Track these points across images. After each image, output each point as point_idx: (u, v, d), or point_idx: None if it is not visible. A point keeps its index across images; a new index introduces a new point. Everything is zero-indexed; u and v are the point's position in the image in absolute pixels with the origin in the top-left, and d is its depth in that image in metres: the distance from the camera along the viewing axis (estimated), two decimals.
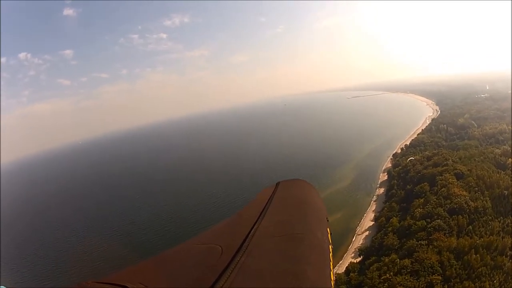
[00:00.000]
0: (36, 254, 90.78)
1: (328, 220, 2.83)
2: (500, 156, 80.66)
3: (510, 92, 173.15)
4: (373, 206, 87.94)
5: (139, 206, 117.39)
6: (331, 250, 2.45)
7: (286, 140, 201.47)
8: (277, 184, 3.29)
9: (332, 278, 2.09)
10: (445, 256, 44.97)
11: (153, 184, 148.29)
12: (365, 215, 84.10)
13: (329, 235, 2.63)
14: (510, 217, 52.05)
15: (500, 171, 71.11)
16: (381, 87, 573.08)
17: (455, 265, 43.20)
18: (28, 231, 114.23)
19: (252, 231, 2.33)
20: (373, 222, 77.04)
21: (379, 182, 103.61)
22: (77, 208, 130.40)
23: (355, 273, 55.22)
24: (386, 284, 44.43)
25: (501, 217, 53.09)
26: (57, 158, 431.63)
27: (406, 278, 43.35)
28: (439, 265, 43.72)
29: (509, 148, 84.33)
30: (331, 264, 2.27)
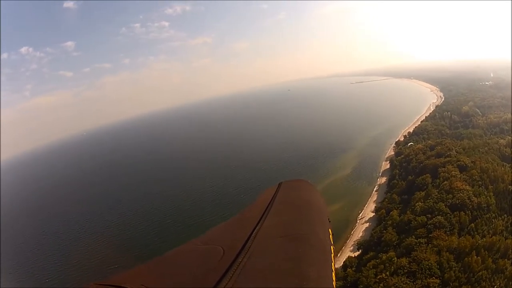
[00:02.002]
0: (35, 252, 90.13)
1: (329, 221, 2.75)
2: (505, 147, 78.02)
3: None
4: (374, 196, 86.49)
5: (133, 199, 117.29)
6: (332, 250, 2.39)
7: (287, 127, 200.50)
8: (279, 184, 3.15)
9: (333, 279, 2.07)
10: (444, 257, 43.25)
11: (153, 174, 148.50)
12: (366, 205, 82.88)
13: (330, 235, 2.57)
14: None
15: (504, 163, 68.49)
16: (385, 73, 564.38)
17: (455, 267, 41.55)
18: (29, 226, 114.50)
19: (254, 232, 2.31)
20: (374, 214, 75.44)
21: (381, 171, 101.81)
22: (77, 201, 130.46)
23: (353, 269, 53.96)
24: (381, 285, 42.99)
25: (505, 215, 51.08)
26: (61, 150, 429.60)
27: (402, 279, 41.84)
28: (438, 266, 42.03)
29: None
30: (333, 264, 2.23)
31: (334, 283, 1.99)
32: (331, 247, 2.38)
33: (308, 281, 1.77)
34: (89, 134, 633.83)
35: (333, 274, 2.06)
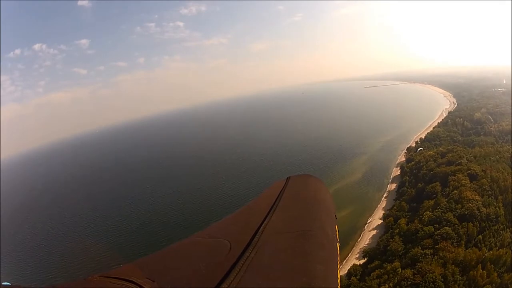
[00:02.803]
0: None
1: (336, 217, 2.73)
2: None
3: None
4: (383, 203, 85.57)
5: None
6: (338, 248, 2.41)
7: (299, 129, 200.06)
8: (288, 178, 3.13)
9: (338, 276, 2.06)
10: (449, 270, 42.50)
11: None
12: (374, 212, 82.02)
13: (337, 232, 2.55)
14: None
15: None
16: (399, 77, 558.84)
17: (459, 280, 40.86)
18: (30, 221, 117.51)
19: (262, 227, 2.26)
20: (382, 221, 74.62)
21: (391, 177, 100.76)
22: (85, 199, 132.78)
23: (357, 277, 53.56)
24: None
25: None
26: (73, 146, 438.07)
27: None
28: (442, 279, 41.30)
29: None
30: (338, 262, 2.23)
31: (338, 281, 2.00)
32: (337, 244, 2.41)
33: (316, 278, 1.75)
34: (102, 131, 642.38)
35: (338, 272, 2.08)
